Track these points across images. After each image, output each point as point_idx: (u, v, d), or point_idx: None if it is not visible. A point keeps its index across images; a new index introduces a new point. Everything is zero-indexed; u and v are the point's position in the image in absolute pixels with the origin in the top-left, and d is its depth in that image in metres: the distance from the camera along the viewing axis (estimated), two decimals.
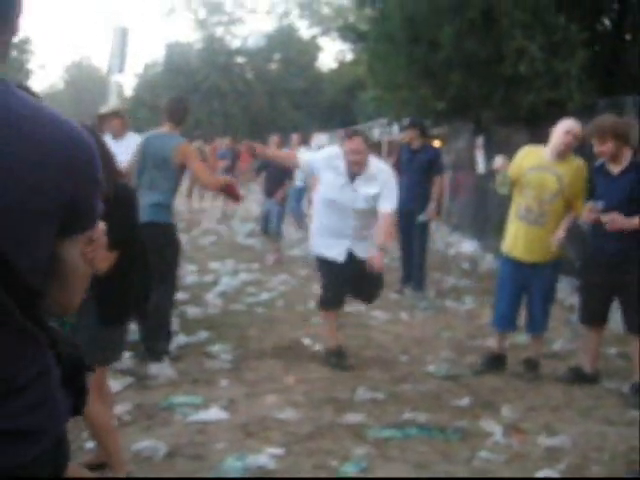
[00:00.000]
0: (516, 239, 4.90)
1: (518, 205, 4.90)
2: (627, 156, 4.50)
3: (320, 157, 5.15)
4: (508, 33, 7.62)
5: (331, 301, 5.18)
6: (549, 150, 4.82)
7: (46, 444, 1.41)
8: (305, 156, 5.41)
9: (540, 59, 7.60)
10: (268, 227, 9.95)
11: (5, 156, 1.25)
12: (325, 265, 5.15)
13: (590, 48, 8.24)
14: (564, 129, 4.74)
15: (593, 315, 4.75)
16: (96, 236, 1.49)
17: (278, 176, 9.61)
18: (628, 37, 10.63)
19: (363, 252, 4.97)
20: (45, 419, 1.41)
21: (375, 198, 4.89)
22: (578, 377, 4.80)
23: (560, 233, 4.71)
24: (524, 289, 4.97)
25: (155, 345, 5.00)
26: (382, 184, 4.89)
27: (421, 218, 7.57)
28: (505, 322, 5.07)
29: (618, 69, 10.05)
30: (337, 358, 5.11)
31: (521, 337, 5.76)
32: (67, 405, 1.51)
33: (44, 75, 79.57)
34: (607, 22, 10.59)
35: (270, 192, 9.73)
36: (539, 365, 5.04)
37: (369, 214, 4.96)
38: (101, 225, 1.54)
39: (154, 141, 5.18)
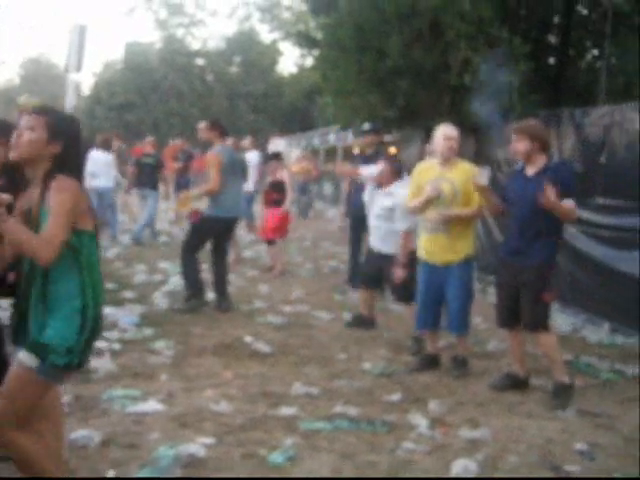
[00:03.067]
0: (427, 248, 5.18)
1: (422, 219, 5.18)
2: (542, 160, 4.64)
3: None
4: (453, 44, 7.87)
5: None
6: (436, 159, 5.13)
7: None
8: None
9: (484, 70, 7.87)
10: None
11: None
12: None
13: (533, 61, 8.55)
14: (443, 136, 5.02)
15: (506, 317, 4.85)
16: None
17: None
18: (572, 52, 11.04)
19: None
20: None
21: (391, 211, 5.87)
22: (511, 382, 4.92)
23: (449, 213, 5.00)
24: (441, 290, 5.20)
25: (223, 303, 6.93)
26: (396, 202, 5.78)
27: None
28: (425, 322, 5.31)
29: (563, 82, 10.42)
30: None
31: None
32: None
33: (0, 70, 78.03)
34: (553, 37, 10.98)
35: None
36: (467, 362, 5.25)
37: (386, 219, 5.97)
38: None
39: (233, 154, 7.13)
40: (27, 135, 2.58)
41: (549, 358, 4.79)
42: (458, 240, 5.08)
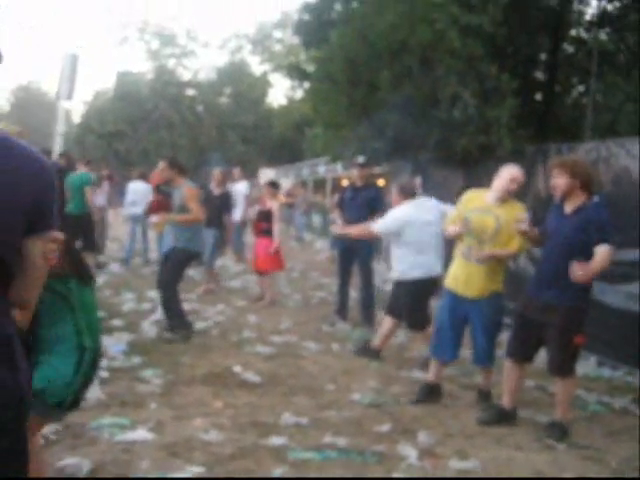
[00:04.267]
0: (457, 276, 5.15)
1: (462, 245, 5.15)
2: (581, 198, 4.56)
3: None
4: (443, 79, 8.01)
5: None
6: (492, 193, 5.06)
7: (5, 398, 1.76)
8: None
9: (473, 105, 8.01)
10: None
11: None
12: None
13: (521, 97, 8.71)
14: (510, 177, 4.96)
15: (520, 351, 4.81)
16: (55, 238, 1.85)
17: (217, 207, 9.82)
18: (559, 89, 11.25)
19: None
20: (7, 377, 1.78)
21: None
22: (499, 416, 4.89)
23: (488, 253, 4.95)
24: (464, 322, 5.20)
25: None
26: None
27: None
28: (446, 352, 5.24)
29: (550, 118, 10.61)
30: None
31: (453, 369, 5.99)
32: (28, 376, 1.88)
33: None
34: (540, 74, 11.21)
35: (210, 222, 9.82)
36: (490, 396, 5.24)
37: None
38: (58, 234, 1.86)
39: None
40: None
41: (560, 398, 4.70)
42: (491, 275, 5.04)
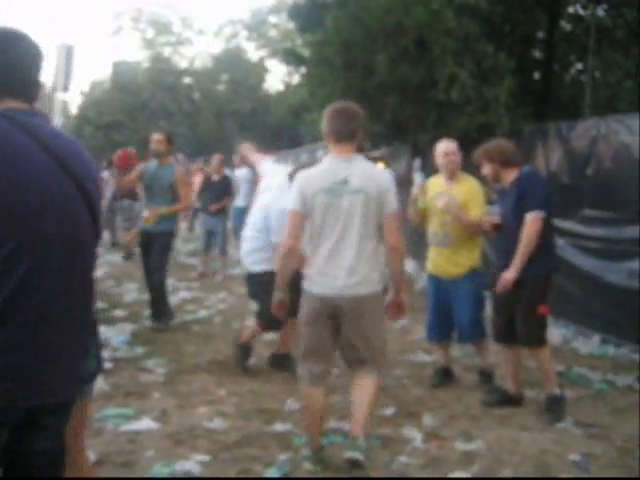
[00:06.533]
0: (432, 260, 5.27)
1: (429, 232, 5.27)
2: (511, 174, 4.68)
3: None
4: (440, 60, 7.94)
5: None
6: (442, 175, 5.19)
7: None
8: None
9: (470, 85, 7.94)
10: (208, 245, 10.15)
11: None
12: None
13: (519, 76, 8.63)
14: (442, 152, 5.09)
15: (503, 332, 4.81)
16: None
17: (218, 193, 9.85)
18: (557, 67, 11.17)
19: None
20: None
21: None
22: (502, 398, 4.88)
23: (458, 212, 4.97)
24: (449, 304, 5.22)
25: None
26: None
27: None
28: (432, 334, 5.36)
29: (549, 97, 10.54)
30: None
31: (456, 351, 5.97)
32: None
33: None
34: (537, 52, 11.12)
35: (212, 209, 9.94)
36: (493, 376, 5.23)
37: None
38: None
39: None
40: None
41: (542, 371, 4.78)
42: (461, 254, 5.11)
